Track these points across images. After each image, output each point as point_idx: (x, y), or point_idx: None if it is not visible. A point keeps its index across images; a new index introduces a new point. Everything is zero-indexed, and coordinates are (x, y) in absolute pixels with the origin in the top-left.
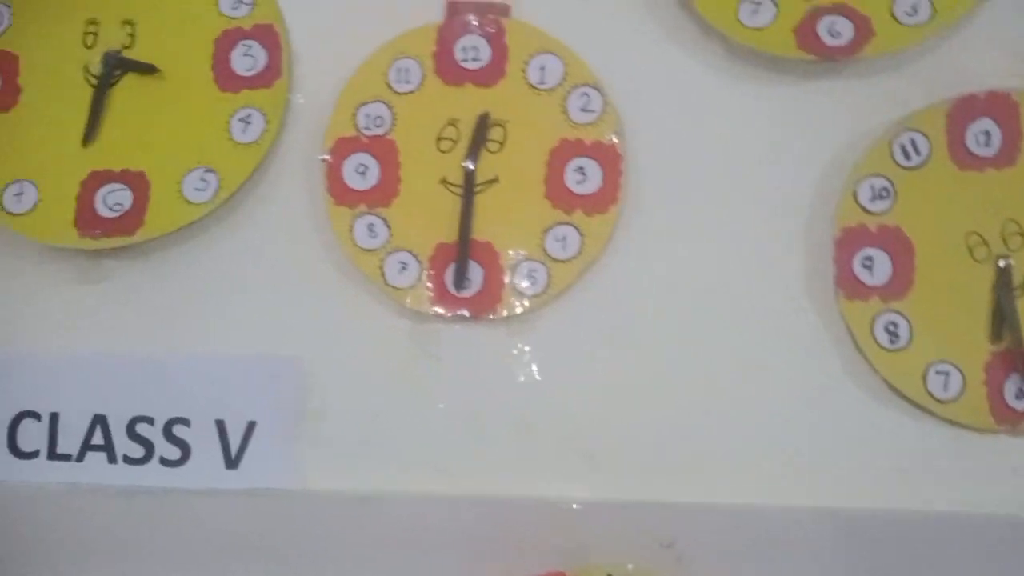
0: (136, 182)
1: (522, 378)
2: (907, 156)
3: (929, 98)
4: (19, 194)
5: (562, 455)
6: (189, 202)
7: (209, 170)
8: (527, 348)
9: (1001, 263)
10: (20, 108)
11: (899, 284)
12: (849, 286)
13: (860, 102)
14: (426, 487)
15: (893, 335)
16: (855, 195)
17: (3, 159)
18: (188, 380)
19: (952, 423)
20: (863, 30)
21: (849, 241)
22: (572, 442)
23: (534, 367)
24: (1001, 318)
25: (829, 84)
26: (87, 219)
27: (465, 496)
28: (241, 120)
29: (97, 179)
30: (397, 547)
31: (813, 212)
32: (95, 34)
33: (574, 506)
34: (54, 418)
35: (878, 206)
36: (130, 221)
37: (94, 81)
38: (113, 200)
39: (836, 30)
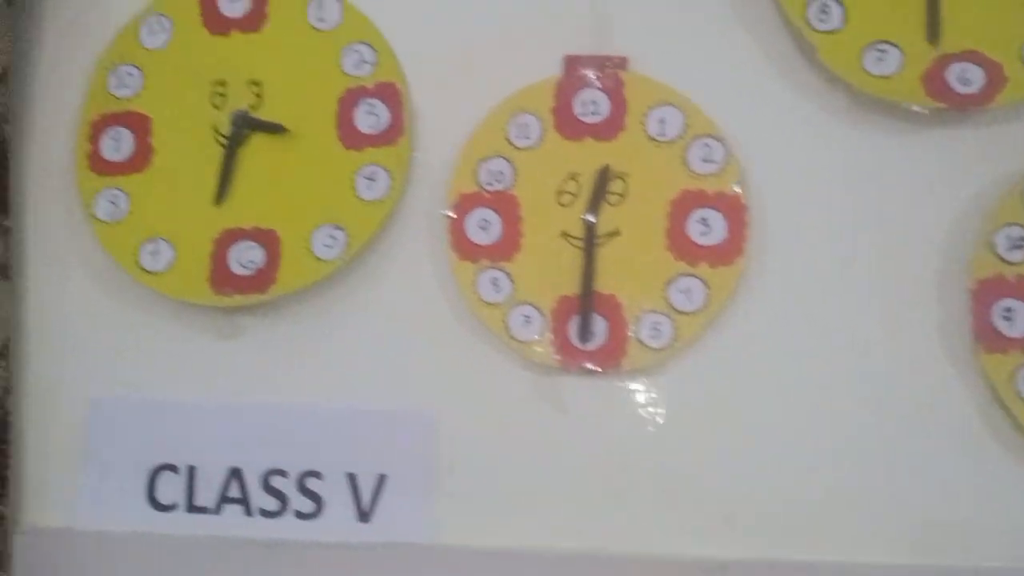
0: (267, 239)
1: (649, 432)
2: None
3: None
4: (155, 252)
5: (693, 511)
6: (319, 259)
7: (337, 227)
8: (653, 401)
9: None
10: (153, 168)
11: None
12: (989, 339)
13: (991, 149)
14: (558, 543)
15: None
16: (991, 245)
17: (139, 218)
18: (320, 433)
19: None
20: (995, 77)
21: (987, 292)
22: (702, 497)
23: (661, 421)
24: None
25: (958, 132)
26: (222, 277)
27: (597, 553)
28: (366, 177)
29: (230, 237)
30: None
31: (945, 263)
32: (223, 95)
33: (709, 564)
34: (192, 471)
35: (1016, 256)
36: (263, 278)
37: (224, 141)
38: (246, 258)
39: (966, 77)
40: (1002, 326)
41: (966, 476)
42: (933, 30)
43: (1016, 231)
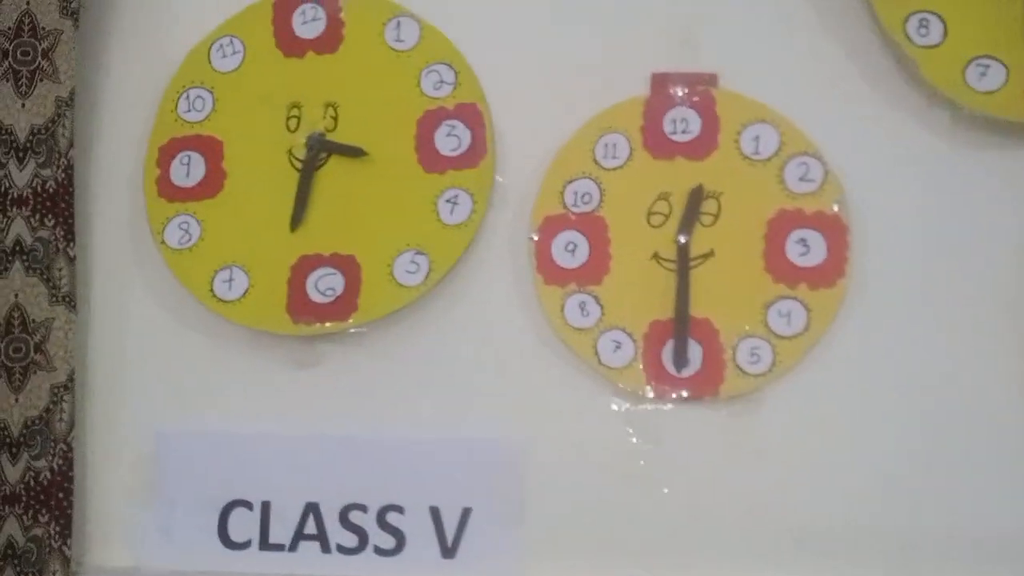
0: (347, 266)
1: (747, 462)
2: None
3: None
4: (229, 280)
5: (793, 544)
6: (401, 285)
7: (419, 252)
8: (752, 430)
9: None
10: (226, 193)
11: None
12: None
13: None
14: None
15: None
16: None
17: (212, 244)
18: (401, 465)
19: None
20: None
21: None
22: (802, 530)
23: (759, 450)
24: None
25: None
26: (300, 305)
27: None
28: (448, 201)
29: (307, 263)
30: None
31: None
32: (298, 118)
33: None
34: (266, 507)
35: None
36: (343, 306)
37: (299, 164)
38: (325, 285)
39: None
40: None
41: None
42: None
43: None
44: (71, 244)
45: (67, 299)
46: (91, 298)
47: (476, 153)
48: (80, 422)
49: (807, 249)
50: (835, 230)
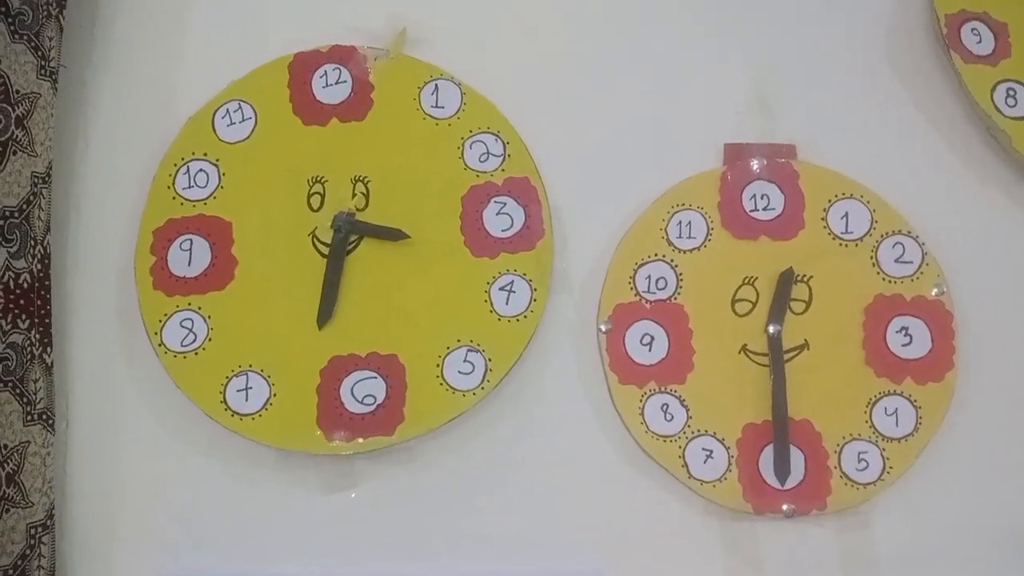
0: (388, 368)
1: None
2: None
3: None
4: (246, 389)
5: None
6: (453, 389)
7: (473, 349)
8: (863, 547)
9: None
10: (237, 284)
11: None
12: None
13: None
14: None
15: None
16: None
17: (222, 346)
18: None
19: None
20: None
21: None
22: None
23: (873, 573)
24: None
25: None
26: (333, 417)
27: None
28: (503, 289)
29: (340, 366)
30: None
31: None
32: (321, 194)
33: None
34: None
35: None
36: (387, 417)
37: (325, 249)
38: (363, 391)
39: None
40: None
41: None
42: None
43: None
44: (48, 349)
45: (44, 416)
46: (75, 415)
47: (532, 234)
48: (62, 570)
49: (910, 339)
50: (938, 317)
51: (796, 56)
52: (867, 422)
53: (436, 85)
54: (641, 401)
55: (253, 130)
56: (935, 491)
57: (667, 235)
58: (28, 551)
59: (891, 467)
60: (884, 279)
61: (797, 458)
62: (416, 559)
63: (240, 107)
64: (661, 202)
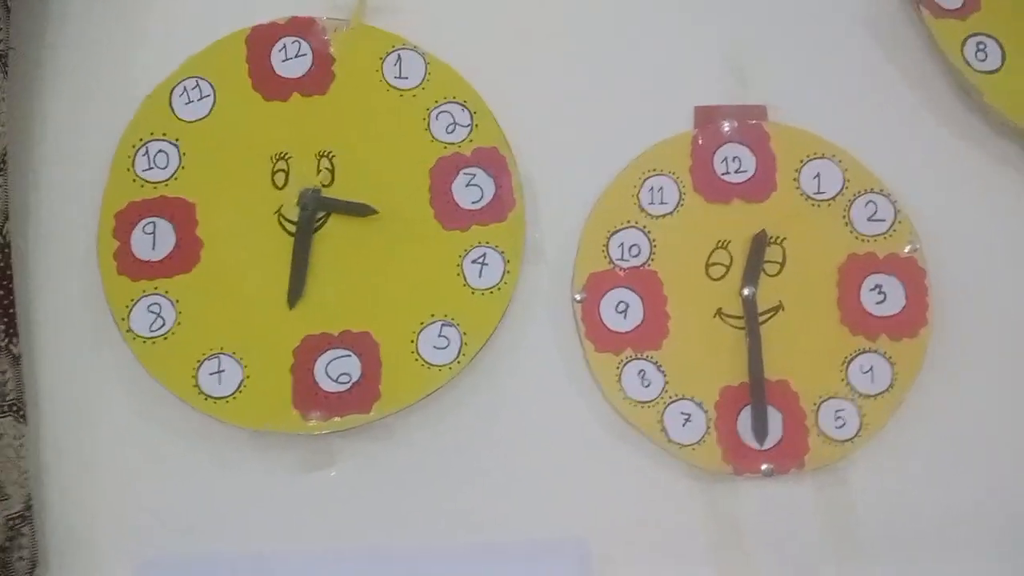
0: (362, 345)
1: (840, 542)
2: None
3: None
4: (218, 372)
5: None
6: (430, 364)
7: (448, 323)
8: (843, 503)
9: None
10: (204, 266)
11: None
12: None
13: None
14: None
15: None
16: None
17: (192, 330)
18: None
19: None
20: None
21: None
22: None
23: (852, 527)
24: None
25: None
26: (309, 396)
27: None
28: (475, 261)
29: (314, 345)
30: None
31: None
32: (285, 171)
33: None
34: None
35: None
36: (363, 394)
37: (292, 227)
38: (338, 370)
39: None
40: None
41: None
42: None
43: None
44: (14, 340)
45: (15, 408)
46: (46, 405)
47: (503, 204)
48: (43, 559)
49: (884, 297)
50: (912, 274)
51: (766, 16)
52: (843, 380)
53: (399, 55)
54: (618, 368)
55: (212, 108)
56: (911, 446)
57: (639, 201)
58: (8, 543)
59: (868, 423)
60: (857, 238)
61: (775, 418)
62: (398, 535)
63: (198, 84)
64: (632, 168)
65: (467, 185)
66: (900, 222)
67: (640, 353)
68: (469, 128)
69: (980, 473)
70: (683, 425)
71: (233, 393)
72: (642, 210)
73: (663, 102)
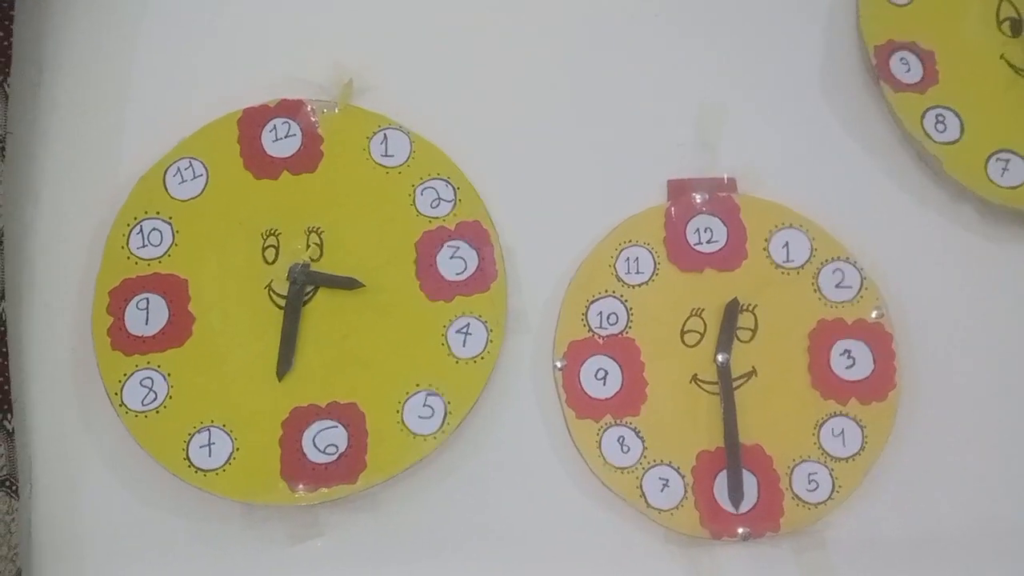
0: (349, 416)
1: None
2: None
3: None
4: (208, 444)
5: None
6: (414, 434)
7: (432, 393)
8: (820, 565)
9: None
10: (196, 340)
11: None
12: None
13: None
14: None
15: None
16: None
17: (183, 403)
18: None
19: None
20: None
21: None
22: None
23: None
24: None
25: None
26: (296, 468)
27: None
28: (459, 332)
29: (302, 417)
30: None
31: None
32: (276, 247)
33: None
34: None
35: None
36: (349, 465)
37: (281, 301)
38: (325, 441)
39: None
40: None
41: None
42: None
43: None
44: (8, 416)
45: (7, 483)
46: (37, 479)
47: (485, 276)
48: None
49: (853, 361)
50: (879, 339)
51: (735, 92)
52: (815, 444)
53: (385, 135)
54: (598, 434)
55: (205, 186)
56: (885, 506)
57: (616, 271)
58: None
59: (840, 486)
60: (826, 304)
61: (750, 482)
62: None
63: (191, 164)
64: (609, 239)
65: (451, 257)
66: (866, 288)
67: (619, 419)
68: (453, 203)
69: (951, 526)
70: (661, 490)
71: (223, 465)
72: (619, 279)
73: (639, 175)
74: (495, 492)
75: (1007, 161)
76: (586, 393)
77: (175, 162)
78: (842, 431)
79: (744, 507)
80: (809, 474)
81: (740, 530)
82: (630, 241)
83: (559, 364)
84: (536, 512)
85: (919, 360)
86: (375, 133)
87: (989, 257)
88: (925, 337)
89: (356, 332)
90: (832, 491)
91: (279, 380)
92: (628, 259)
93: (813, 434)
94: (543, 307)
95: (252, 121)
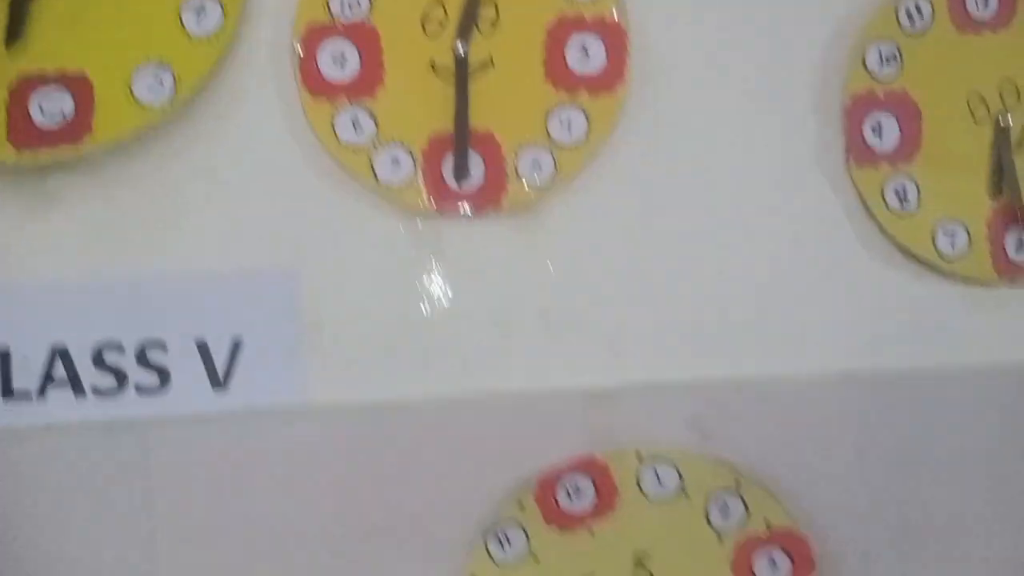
0: (76, 85)
1: (533, 273)
2: (911, 20)
3: None
4: None
5: (582, 344)
6: (142, 104)
7: (162, 66)
8: (536, 242)
9: (1000, 121)
10: None
11: (907, 148)
12: (859, 153)
13: None
14: (445, 389)
15: (903, 199)
16: (863, 61)
17: None
18: (161, 302)
19: (960, 279)
20: None
21: (858, 108)
22: (591, 331)
23: (545, 261)
24: (1000, 174)
25: None
26: (23, 131)
27: (489, 393)
28: (194, 10)
29: (28, 84)
30: (422, 454)
31: (822, 81)
32: None
33: (598, 392)
34: (4, 357)
35: (886, 72)
36: (75, 129)
37: None
38: (51, 107)
39: None
40: (872, 141)
41: (844, 286)
42: None
43: (887, 47)
44: None
45: None
46: None
47: None
48: None
49: (587, 56)
50: (615, 35)
51: None
52: (543, 131)
53: None
54: (332, 115)
55: None
56: (603, 190)
57: None
58: None
59: (562, 170)
60: (567, 1)
61: (477, 164)
62: (119, 262)
63: None
64: None
65: None
66: None
67: (354, 101)
68: None
69: (664, 224)
70: (391, 168)
71: None
72: None
73: None
74: (229, 165)
75: None
76: (323, 76)
77: None
78: (569, 120)
79: (469, 185)
80: (534, 159)
81: (464, 205)
82: None
83: (297, 47)
84: (268, 186)
85: (651, 58)
86: None
87: None
88: (659, 37)
89: (89, 4)
90: (554, 175)
91: (7, 48)
92: None
93: (542, 122)
94: None
95: None
